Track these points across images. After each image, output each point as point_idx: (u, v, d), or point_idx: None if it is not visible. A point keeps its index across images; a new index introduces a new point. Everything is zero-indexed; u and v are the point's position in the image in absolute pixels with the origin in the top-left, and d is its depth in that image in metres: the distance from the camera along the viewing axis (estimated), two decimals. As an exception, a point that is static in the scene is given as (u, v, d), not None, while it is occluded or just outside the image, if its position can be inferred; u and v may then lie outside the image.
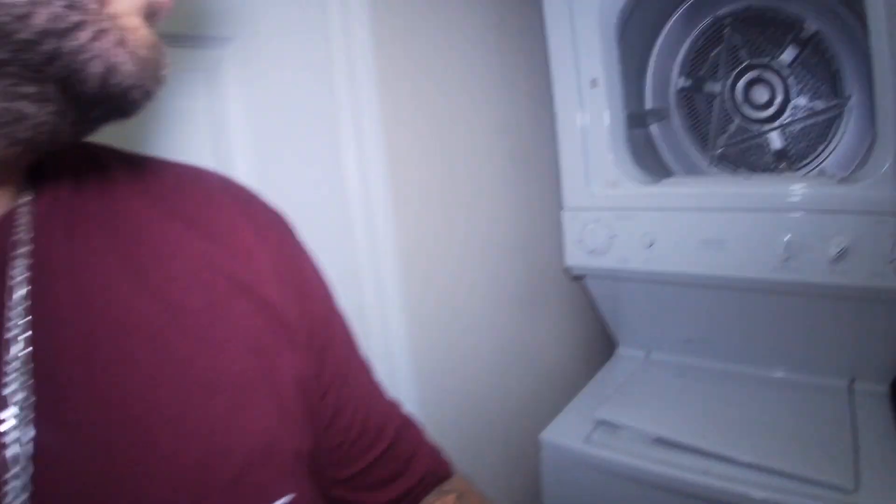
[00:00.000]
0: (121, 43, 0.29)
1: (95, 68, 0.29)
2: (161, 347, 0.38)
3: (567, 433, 1.33)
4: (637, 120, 1.79)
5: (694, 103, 1.80)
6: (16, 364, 0.32)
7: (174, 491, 0.35)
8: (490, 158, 1.46)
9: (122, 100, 0.31)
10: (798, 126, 1.75)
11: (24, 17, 0.26)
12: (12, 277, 0.34)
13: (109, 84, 0.29)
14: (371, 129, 1.08)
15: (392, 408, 0.62)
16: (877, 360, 1.35)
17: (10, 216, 0.36)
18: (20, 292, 0.34)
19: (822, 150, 1.74)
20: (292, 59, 0.93)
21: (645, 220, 1.40)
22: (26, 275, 0.35)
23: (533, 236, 1.63)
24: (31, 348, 0.33)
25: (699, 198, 1.37)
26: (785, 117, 1.76)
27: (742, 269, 1.38)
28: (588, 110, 1.49)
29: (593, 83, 1.50)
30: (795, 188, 1.33)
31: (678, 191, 1.39)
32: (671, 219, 1.39)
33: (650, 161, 1.83)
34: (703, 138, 1.86)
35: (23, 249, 0.35)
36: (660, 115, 1.85)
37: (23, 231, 0.36)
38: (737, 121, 1.82)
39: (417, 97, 1.22)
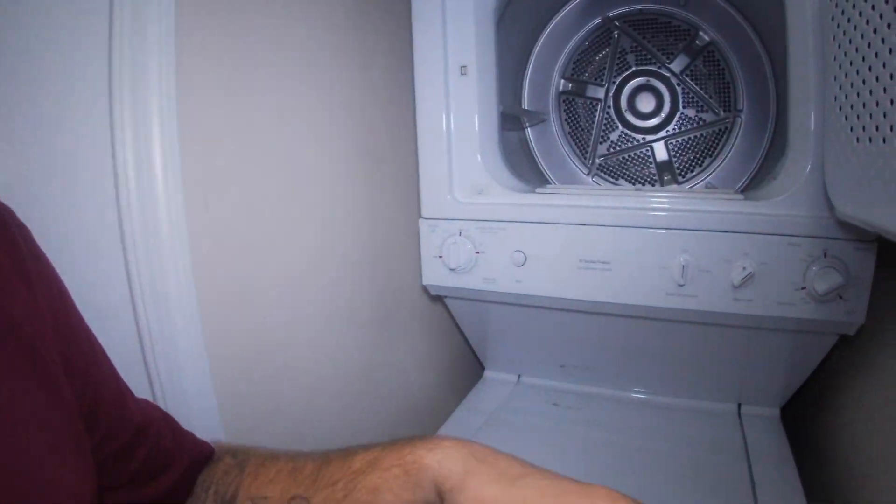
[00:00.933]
0: None
1: None
2: None
3: None
4: (512, 122, 1.45)
5: (575, 108, 1.64)
6: None
7: None
8: (337, 157, 1.14)
9: None
10: (684, 138, 1.55)
11: None
12: None
13: None
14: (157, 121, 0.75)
15: (146, 405, 0.56)
16: (766, 383, 1.22)
17: None
18: None
19: (708, 165, 1.54)
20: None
21: (516, 235, 1.14)
22: None
23: (389, 249, 1.31)
24: None
25: (581, 211, 1.10)
26: (671, 128, 1.55)
27: (629, 296, 1.11)
28: (455, 102, 1.20)
29: (463, 70, 1.19)
30: (694, 203, 1.06)
31: (556, 202, 1.14)
32: (547, 234, 1.13)
33: (525, 169, 1.51)
34: (582, 146, 1.63)
35: None
36: (538, 117, 1.52)
37: None
38: (619, 129, 1.60)
39: (230, 85, 0.90)
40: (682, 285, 1.03)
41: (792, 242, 1.01)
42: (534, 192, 1.11)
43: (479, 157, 1.17)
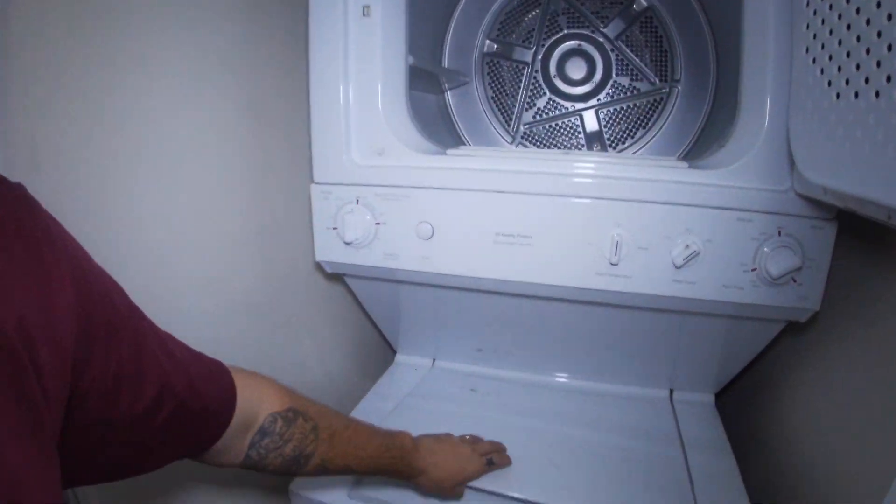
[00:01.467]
0: None
1: None
2: None
3: (332, 478, 0.86)
4: (430, 82, 1.23)
5: (500, 71, 1.43)
6: None
7: None
8: (216, 118, 0.91)
9: None
10: (616, 107, 1.37)
11: None
12: None
13: None
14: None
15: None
16: (701, 369, 1.08)
17: None
18: None
19: (641, 136, 1.36)
20: None
21: (422, 204, 0.95)
22: None
23: (283, 222, 1.08)
24: None
25: (497, 176, 0.91)
26: (602, 96, 1.37)
27: (553, 275, 0.91)
28: (354, 47, 0.97)
29: (365, 11, 0.96)
30: (629, 170, 0.88)
31: (469, 165, 0.94)
32: (458, 202, 0.93)
33: (444, 136, 1.30)
34: (507, 112, 1.43)
35: None
36: (459, 79, 1.29)
37: None
38: (547, 95, 1.40)
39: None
40: (614, 264, 0.84)
41: (742, 218, 0.84)
42: (444, 153, 0.87)
43: (380, 111, 0.93)
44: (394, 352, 1.30)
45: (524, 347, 1.13)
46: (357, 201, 0.96)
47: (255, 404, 0.60)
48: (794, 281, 0.84)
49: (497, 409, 1.06)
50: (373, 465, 0.72)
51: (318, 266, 1.08)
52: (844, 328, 0.88)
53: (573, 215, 0.86)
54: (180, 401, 0.51)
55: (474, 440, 0.87)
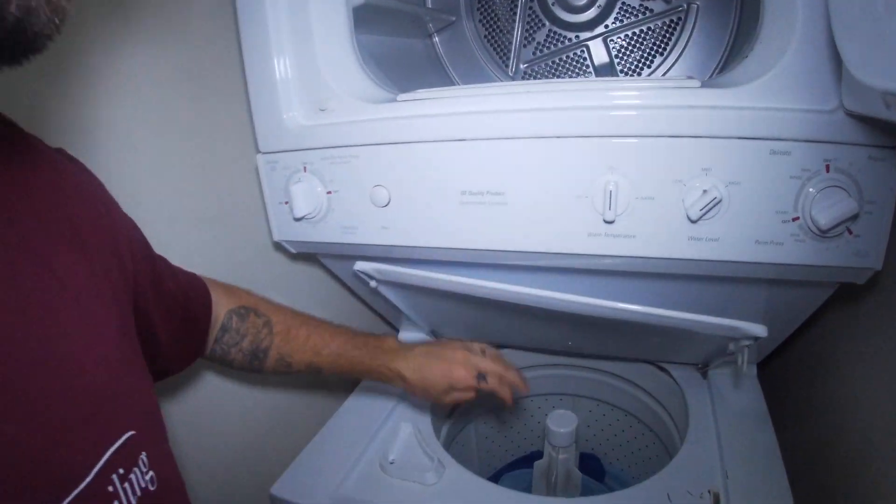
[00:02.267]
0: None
1: (14, 10, 0.23)
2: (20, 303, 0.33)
3: (314, 481, 0.78)
4: (413, 25, 0.99)
5: (492, 4, 1.18)
6: None
7: (29, 429, 0.31)
8: (147, 84, 0.71)
9: (27, 46, 0.25)
10: (627, 33, 1.10)
11: None
12: None
13: (21, 28, 0.24)
14: None
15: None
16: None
17: None
18: None
19: (659, 65, 1.09)
20: None
21: (373, 164, 0.74)
22: None
23: (237, 200, 0.88)
24: None
25: (457, 121, 0.69)
26: (610, 22, 1.10)
27: (533, 240, 0.69)
28: None
29: None
30: (623, 96, 0.65)
31: (423, 110, 0.72)
32: (413, 158, 0.72)
33: (433, 86, 1.03)
34: (503, 51, 1.19)
35: None
36: (445, 19, 1.04)
37: None
38: (547, 26, 1.14)
39: None
40: (609, 221, 0.61)
41: (776, 150, 0.59)
42: (394, 100, 0.65)
43: (317, 59, 0.71)
44: (396, 330, 1.13)
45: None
46: (304, 169, 0.76)
47: (217, 304, 0.63)
48: (850, 232, 0.61)
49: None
50: (339, 361, 0.70)
51: (282, 247, 0.88)
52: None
53: (553, 161, 0.64)
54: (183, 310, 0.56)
55: (482, 349, 0.78)
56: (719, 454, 0.80)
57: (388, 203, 0.72)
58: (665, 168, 0.60)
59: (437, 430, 1.01)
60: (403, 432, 0.88)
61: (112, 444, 0.34)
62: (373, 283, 0.86)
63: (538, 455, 1.05)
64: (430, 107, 0.68)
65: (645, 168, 0.61)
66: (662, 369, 1.02)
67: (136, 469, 0.35)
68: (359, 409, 0.94)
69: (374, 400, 0.95)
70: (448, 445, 1.09)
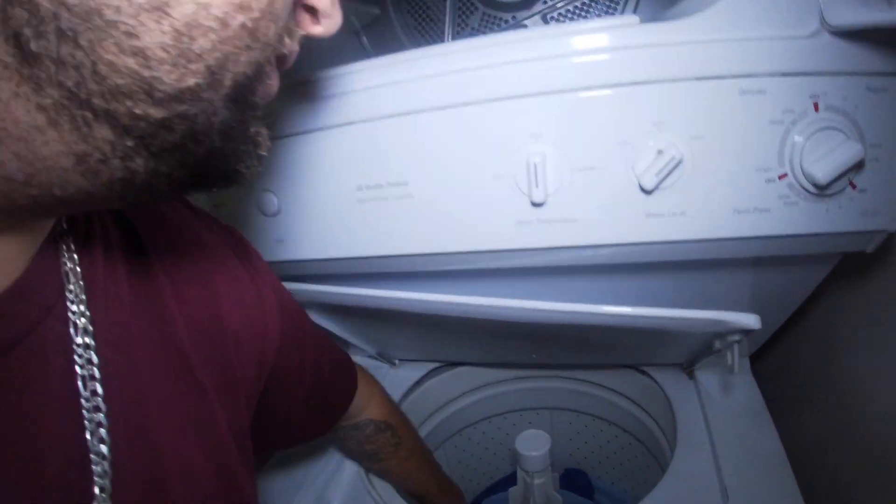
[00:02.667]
0: (256, 146, 0.27)
1: (237, 164, 0.26)
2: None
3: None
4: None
5: None
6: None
7: None
8: None
9: (230, 183, 0.27)
10: (570, 6, 0.92)
11: (211, 114, 0.23)
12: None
13: (232, 171, 0.26)
14: None
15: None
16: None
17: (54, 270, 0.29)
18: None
19: None
20: None
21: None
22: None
23: None
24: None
25: (343, 101, 0.52)
26: None
27: (450, 239, 0.51)
28: None
29: None
30: (541, 44, 0.47)
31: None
32: (299, 152, 0.54)
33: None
34: (437, 41, 1.00)
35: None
36: (369, 12, 0.96)
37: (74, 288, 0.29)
38: (480, 10, 0.96)
39: None
40: (538, 203, 0.44)
41: (747, 89, 0.44)
42: None
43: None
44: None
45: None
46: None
47: (361, 404, 0.60)
48: (853, 186, 0.45)
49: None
50: (420, 491, 0.72)
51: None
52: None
53: (462, 135, 0.47)
54: (323, 392, 0.53)
55: None
56: (715, 468, 0.65)
57: (278, 211, 0.55)
58: (605, 128, 0.44)
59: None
60: (347, 474, 0.71)
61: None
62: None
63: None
64: (309, 90, 0.52)
65: (578, 131, 0.45)
66: (644, 373, 0.86)
67: None
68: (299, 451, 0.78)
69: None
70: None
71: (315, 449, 0.77)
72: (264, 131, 0.28)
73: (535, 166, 0.44)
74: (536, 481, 0.83)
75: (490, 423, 1.05)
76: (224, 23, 0.21)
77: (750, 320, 0.51)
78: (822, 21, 0.42)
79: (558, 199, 0.46)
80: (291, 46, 0.27)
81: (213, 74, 0.22)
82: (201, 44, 0.21)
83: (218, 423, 0.35)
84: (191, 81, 0.21)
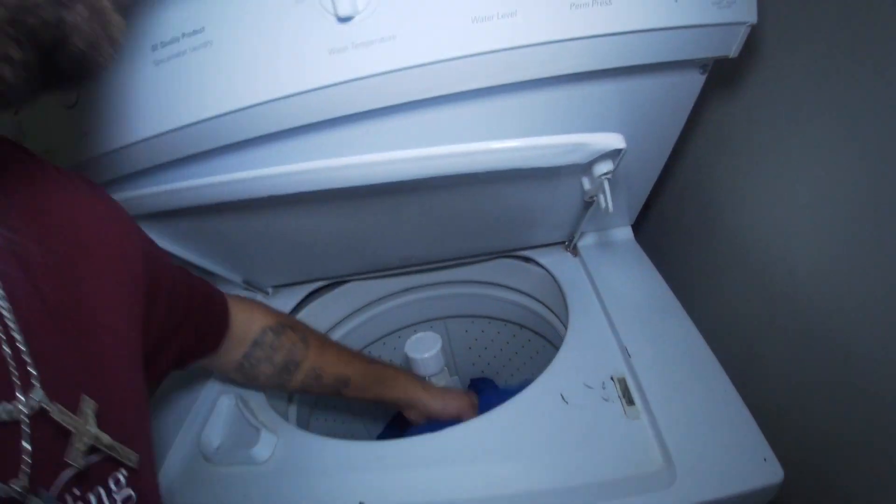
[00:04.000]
0: (104, 26, 0.26)
1: (79, 44, 0.25)
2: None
3: None
4: None
5: None
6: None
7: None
8: None
9: (84, 74, 0.27)
10: None
11: None
12: None
13: (84, 59, 0.26)
14: None
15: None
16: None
17: None
18: None
19: None
20: None
21: None
22: None
23: None
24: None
25: None
26: None
27: (264, 87, 0.45)
28: None
29: None
30: None
31: None
32: None
33: None
34: None
35: None
36: None
37: None
38: None
39: None
40: (346, 18, 0.40)
41: None
42: None
43: None
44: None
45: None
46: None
47: (248, 320, 0.62)
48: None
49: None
50: (367, 379, 0.71)
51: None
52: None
53: None
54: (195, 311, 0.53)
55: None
56: (613, 333, 0.66)
57: (75, 101, 0.48)
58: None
59: (281, 399, 0.81)
60: (224, 407, 0.67)
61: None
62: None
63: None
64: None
65: None
66: (530, 260, 0.85)
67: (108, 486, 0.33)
68: (169, 397, 0.72)
69: (187, 381, 0.74)
70: (308, 420, 0.90)
71: (189, 391, 0.73)
72: (119, 18, 0.27)
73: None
74: (437, 384, 0.81)
75: (384, 344, 1.02)
76: None
77: (613, 140, 0.49)
78: None
79: (371, 14, 0.42)
80: None
81: None
82: None
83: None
84: None
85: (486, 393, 0.94)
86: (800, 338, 0.60)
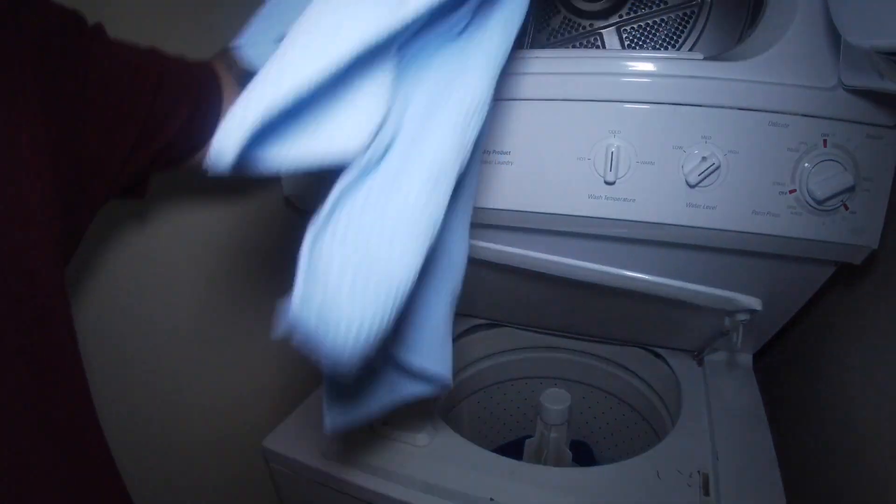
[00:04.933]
0: None
1: None
2: None
3: (307, 435, 0.82)
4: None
5: None
6: None
7: None
8: None
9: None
10: (642, 23, 1.12)
11: None
12: None
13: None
14: None
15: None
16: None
17: None
18: None
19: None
20: None
21: None
22: None
23: None
24: None
25: None
26: (624, 11, 1.12)
27: (538, 201, 0.72)
28: None
29: None
30: (626, 64, 0.68)
31: None
32: None
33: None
34: (517, 36, 1.07)
35: None
36: None
37: None
38: (562, 13, 1.16)
39: None
40: (610, 183, 0.63)
41: (775, 122, 0.63)
42: None
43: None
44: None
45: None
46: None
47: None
48: (846, 207, 0.64)
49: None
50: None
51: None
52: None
53: (559, 124, 0.66)
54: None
55: None
56: (710, 439, 0.81)
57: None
58: (666, 134, 0.64)
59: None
60: None
61: None
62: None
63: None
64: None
65: (646, 133, 0.64)
66: (658, 356, 1.05)
67: None
68: None
69: None
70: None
71: None
72: None
73: (612, 154, 0.63)
74: (553, 434, 1.02)
75: (512, 385, 1.24)
76: None
77: (753, 302, 0.70)
78: (840, 81, 0.61)
79: (624, 182, 0.65)
80: None
81: None
82: None
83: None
84: None
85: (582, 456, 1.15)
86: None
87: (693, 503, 0.71)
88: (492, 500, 0.69)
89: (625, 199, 0.66)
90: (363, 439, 0.80)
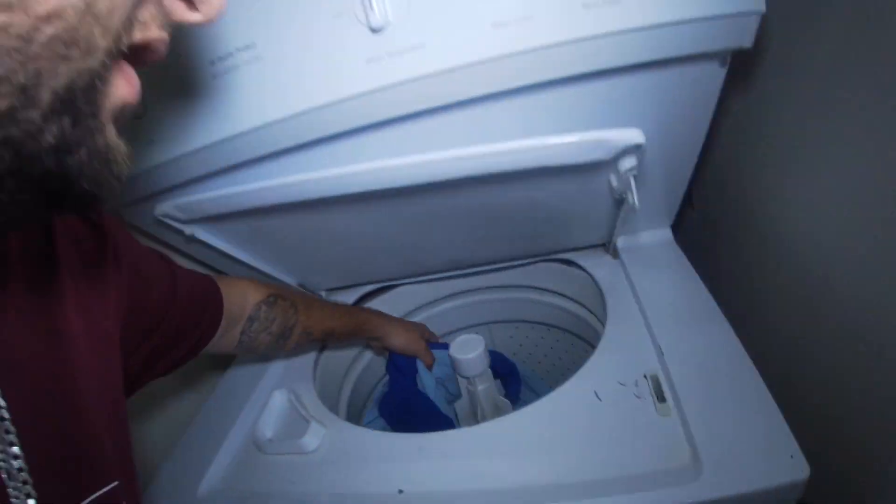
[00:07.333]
0: (108, 163, 0.26)
1: (85, 186, 0.25)
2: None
3: (189, 477, 0.66)
4: None
5: None
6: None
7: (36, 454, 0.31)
8: None
9: (93, 205, 0.26)
10: None
11: (35, 134, 0.22)
12: None
13: (91, 195, 0.25)
14: None
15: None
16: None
17: None
18: None
19: None
20: None
21: None
22: None
23: None
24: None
25: None
26: None
27: (305, 96, 0.50)
28: None
29: None
30: None
31: None
32: None
33: None
34: None
35: None
36: None
37: None
38: None
39: None
40: (377, 30, 0.44)
41: None
42: None
43: None
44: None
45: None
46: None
47: (242, 300, 0.65)
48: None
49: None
50: (348, 327, 0.79)
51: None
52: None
53: None
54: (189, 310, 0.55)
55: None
56: (648, 333, 0.66)
57: (144, 113, 0.54)
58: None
59: (332, 397, 0.85)
60: (277, 401, 0.73)
61: (96, 490, 0.34)
62: (188, 231, 0.68)
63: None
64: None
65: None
66: (570, 263, 0.87)
67: None
68: (227, 391, 0.79)
69: (245, 377, 0.80)
70: (359, 414, 0.93)
71: (245, 386, 0.78)
72: (122, 146, 0.26)
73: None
74: (480, 387, 0.83)
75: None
76: (28, 39, 0.20)
77: (632, 135, 0.51)
78: None
79: (399, 24, 0.45)
80: (149, 37, 0.25)
81: (25, 92, 0.20)
82: (5, 65, 0.20)
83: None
84: (2, 105, 0.20)
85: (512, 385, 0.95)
86: (833, 334, 0.59)
87: (648, 415, 0.56)
88: (401, 491, 0.56)
89: (411, 48, 0.45)
90: (248, 466, 0.65)
